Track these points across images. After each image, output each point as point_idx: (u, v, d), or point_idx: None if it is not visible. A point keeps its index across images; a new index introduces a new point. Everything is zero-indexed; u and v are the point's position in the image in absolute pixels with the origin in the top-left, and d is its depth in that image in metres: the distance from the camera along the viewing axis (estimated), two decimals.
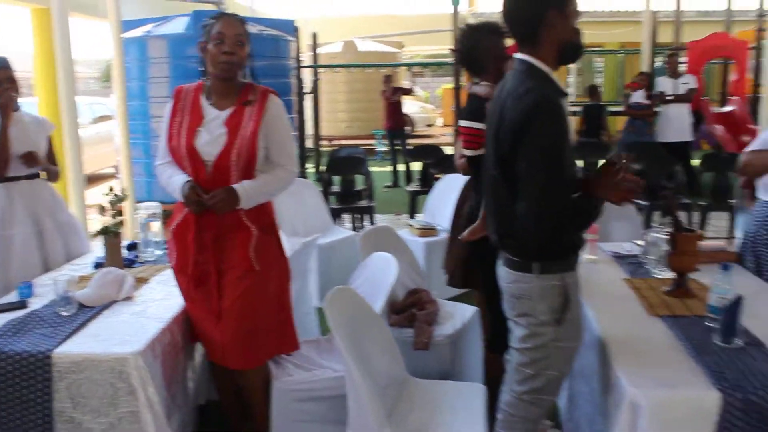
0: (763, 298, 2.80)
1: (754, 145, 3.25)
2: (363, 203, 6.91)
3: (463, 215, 3.37)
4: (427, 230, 5.15)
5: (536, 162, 2.05)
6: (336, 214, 6.36)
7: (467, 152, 3.19)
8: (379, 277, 3.09)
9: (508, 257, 2.28)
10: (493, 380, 2.89)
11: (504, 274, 2.31)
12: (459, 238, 3.28)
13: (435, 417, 2.52)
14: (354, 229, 6.71)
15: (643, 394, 2.08)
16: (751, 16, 12.19)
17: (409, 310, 3.36)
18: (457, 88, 9.19)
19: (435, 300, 3.50)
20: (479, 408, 2.60)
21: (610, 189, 2.14)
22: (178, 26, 6.55)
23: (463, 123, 3.17)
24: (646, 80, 9.41)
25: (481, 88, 3.11)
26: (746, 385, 2.07)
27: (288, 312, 2.89)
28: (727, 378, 2.11)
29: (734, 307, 2.34)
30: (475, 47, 3.09)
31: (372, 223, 6.74)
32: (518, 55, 2.19)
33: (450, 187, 5.43)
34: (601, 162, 2.55)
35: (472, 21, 13.75)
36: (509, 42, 2.42)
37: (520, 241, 2.19)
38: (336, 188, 7.13)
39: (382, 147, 13.98)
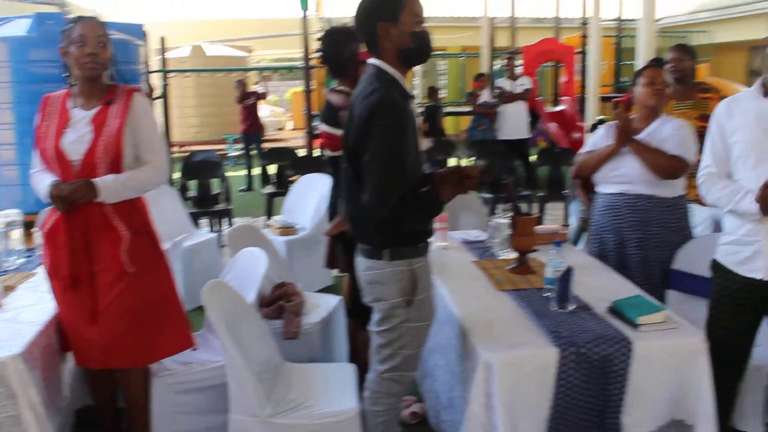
0: (589, 269, 3.21)
1: (586, 147, 3.67)
2: (220, 207, 6.96)
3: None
4: (287, 229, 5.32)
5: (376, 156, 2.28)
6: (194, 219, 6.37)
7: (327, 153, 3.41)
8: (249, 271, 3.24)
9: (361, 246, 2.49)
10: (361, 360, 3.13)
11: (359, 262, 2.52)
12: (324, 233, 3.50)
13: (311, 395, 2.71)
14: (212, 232, 6.75)
15: (494, 356, 2.38)
16: (576, 24, 13.25)
17: (277, 302, 3.52)
18: (308, 92, 9.37)
19: (301, 292, 3.69)
20: (350, 385, 2.82)
21: (452, 189, 2.42)
22: (18, 29, 6.29)
23: (322, 127, 3.39)
24: (486, 79, 10.06)
25: (335, 96, 3.33)
26: (578, 341, 2.42)
27: (177, 310, 2.93)
28: (563, 336, 2.45)
29: (566, 277, 2.70)
30: (339, 51, 3.31)
31: (231, 225, 6.81)
32: (370, 60, 2.43)
33: (307, 188, 5.64)
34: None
35: (320, 25, 13.92)
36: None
37: (371, 229, 2.41)
38: (192, 193, 7.12)
39: (234, 152, 13.94)
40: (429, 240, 2.54)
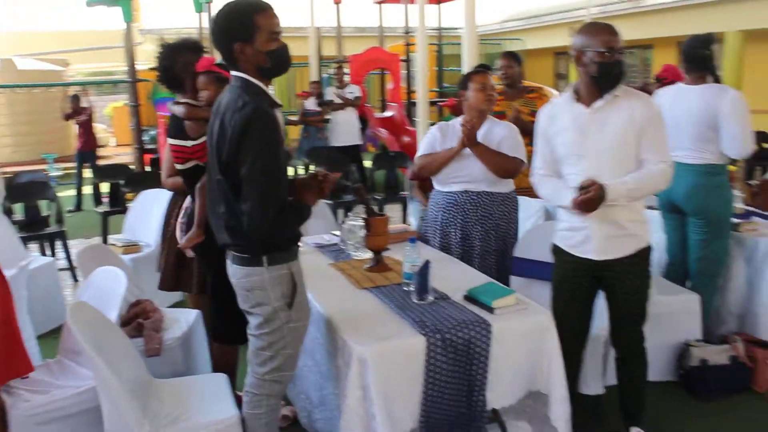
0: (442, 263, 3.41)
1: (421, 150, 3.90)
2: (52, 229, 6.60)
3: (171, 226, 3.57)
4: (131, 247, 5.19)
5: (256, 168, 2.34)
6: (23, 243, 6.00)
7: (179, 166, 3.40)
8: (107, 290, 3.16)
9: (237, 255, 2.53)
10: (225, 370, 3.16)
11: (235, 271, 2.56)
12: (178, 246, 3.47)
13: (187, 408, 2.70)
14: (44, 256, 6.39)
15: (366, 350, 2.51)
16: (399, 32, 13.75)
17: (135, 320, 3.45)
18: (135, 106, 9.03)
19: (158, 308, 3.63)
20: (226, 393, 2.84)
21: (313, 194, 2.57)
22: None
23: (171, 141, 3.38)
24: (318, 88, 10.22)
25: (179, 108, 3.34)
26: (442, 328, 2.60)
27: (14, 334, 2.80)
28: (428, 325, 2.62)
29: (424, 270, 2.88)
30: (173, 65, 3.31)
31: (66, 248, 6.47)
32: (234, 73, 2.47)
33: (148, 204, 5.50)
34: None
35: (141, 37, 13.44)
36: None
37: (248, 238, 2.46)
38: (18, 216, 6.69)
39: (55, 171, 13.16)
40: (300, 243, 2.63)
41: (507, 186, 3.74)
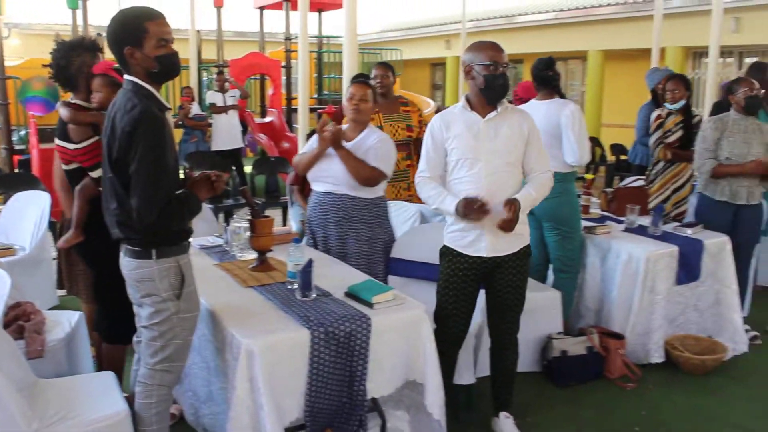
0: (322, 262, 3.55)
1: (303, 149, 4.06)
2: None
3: (66, 225, 3.55)
4: (5, 250, 5.02)
5: (143, 166, 2.45)
6: None
7: (63, 166, 3.40)
8: None
9: (129, 248, 2.63)
10: (111, 370, 3.18)
11: (126, 263, 2.66)
12: (56, 246, 3.46)
13: (75, 406, 2.70)
14: None
15: (254, 343, 2.63)
16: (280, 38, 13.80)
17: (15, 322, 3.39)
18: (4, 105, 8.65)
19: (39, 310, 3.58)
20: (114, 390, 2.86)
21: (207, 191, 2.70)
22: None
23: (57, 141, 3.37)
24: (191, 93, 10.16)
25: (64, 111, 3.35)
26: (325, 322, 2.76)
27: None
28: (311, 319, 2.77)
29: (307, 268, 3.03)
30: (69, 64, 3.31)
31: None
32: (126, 76, 2.57)
33: (23, 206, 5.35)
34: None
35: (6, 31, 12.76)
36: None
37: (138, 231, 2.56)
38: None
39: None
40: (190, 239, 2.72)
41: (372, 192, 3.87)
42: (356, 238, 3.85)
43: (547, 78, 4.31)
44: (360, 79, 4.11)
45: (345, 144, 3.79)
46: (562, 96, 4.33)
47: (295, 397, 2.71)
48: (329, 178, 3.84)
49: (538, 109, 4.23)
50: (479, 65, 3.10)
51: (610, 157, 11.06)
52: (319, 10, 14.54)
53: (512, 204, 3.06)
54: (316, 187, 3.96)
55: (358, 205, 3.84)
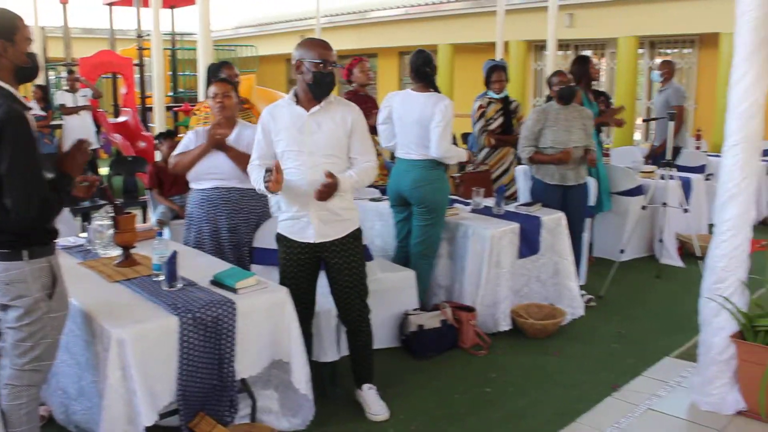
0: (186, 254, 3.69)
1: (179, 149, 4.16)
2: None
3: None
4: None
5: (15, 166, 2.49)
6: None
7: None
8: None
9: None
10: None
11: None
12: None
13: None
14: None
15: (124, 332, 2.74)
16: (131, 35, 13.47)
17: None
18: None
19: None
20: None
21: (76, 166, 2.78)
22: None
23: None
24: (40, 92, 9.79)
25: None
26: (192, 308, 2.91)
27: None
28: (179, 306, 2.91)
29: (172, 259, 3.15)
30: None
31: None
32: None
33: None
34: None
35: None
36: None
37: (11, 232, 2.58)
38: None
39: None
40: (56, 239, 2.77)
41: None
42: (248, 228, 4.08)
43: (424, 73, 4.56)
44: (220, 77, 4.24)
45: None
46: (437, 90, 4.60)
47: (167, 383, 2.85)
48: (216, 174, 4.02)
49: (415, 100, 4.51)
50: (309, 62, 3.31)
51: (462, 145, 11.63)
52: (172, 7, 14.30)
53: (331, 175, 3.25)
54: (201, 185, 4.10)
55: (247, 196, 4.06)
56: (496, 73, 5.80)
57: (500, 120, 5.69)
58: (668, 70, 7.86)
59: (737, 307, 3.59)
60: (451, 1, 14.18)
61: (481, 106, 5.88)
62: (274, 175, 3.20)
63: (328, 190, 3.26)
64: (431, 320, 4.33)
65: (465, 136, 11.39)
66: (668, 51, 13.24)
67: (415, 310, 4.40)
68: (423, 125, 4.41)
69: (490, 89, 5.94)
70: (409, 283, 4.43)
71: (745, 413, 3.57)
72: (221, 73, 5.08)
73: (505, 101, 5.74)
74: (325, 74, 3.31)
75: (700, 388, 3.72)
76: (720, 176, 3.64)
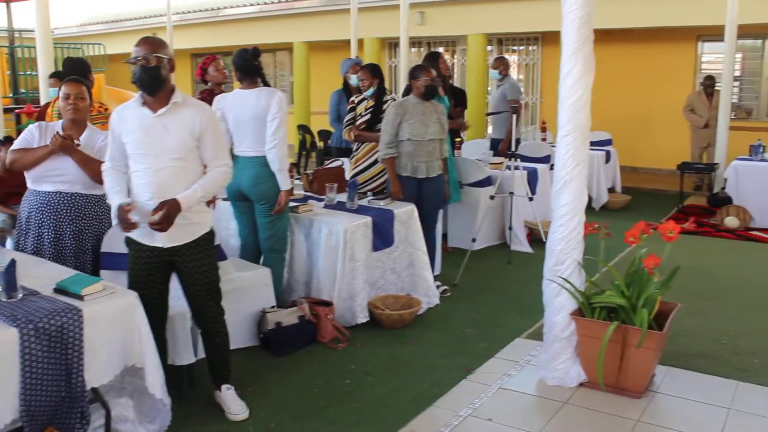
0: (29, 263, 3.50)
1: (16, 145, 3.93)
2: None
3: None
4: None
5: None
6: None
7: None
8: None
9: None
10: None
11: None
12: None
13: None
14: None
15: None
16: None
17: None
18: None
19: None
20: None
21: None
22: None
23: None
24: None
25: None
26: (34, 318, 2.78)
27: None
28: (19, 318, 2.77)
29: (10, 269, 3.00)
30: None
31: None
32: None
33: None
34: None
35: None
36: None
37: None
38: None
39: None
40: None
41: (102, 189, 3.92)
42: (92, 233, 3.91)
43: (254, 68, 4.54)
44: (73, 78, 4.05)
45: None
46: (267, 84, 4.60)
47: (8, 400, 2.71)
48: (62, 177, 3.83)
49: (247, 97, 4.47)
50: (133, 59, 3.25)
51: (319, 143, 11.70)
52: (7, 1, 13.45)
53: (163, 206, 3.22)
54: (42, 187, 3.88)
55: (91, 202, 3.90)
56: (361, 72, 5.91)
57: (368, 116, 5.79)
58: (503, 66, 8.29)
59: (575, 287, 3.84)
60: None
61: (352, 102, 5.99)
62: (125, 218, 3.21)
63: (166, 221, 3.23)
64: (289, 317, 4.35)
65: (322, 133, 11.48)
66: (515, 48, 13.87)
67: (272, 307, 4.41)
68: (259, 120, 4.41)
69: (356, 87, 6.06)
70: (264, 281, 4.43)
71: (587, 384, 3.84)
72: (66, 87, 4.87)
73: (379, 99, 5.85)
74: (144, 69, 3.23)
75: (546, 364, 3.95)
76: (555, 165, 3.88)
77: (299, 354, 4.33)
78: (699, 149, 10.60)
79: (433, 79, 5.27)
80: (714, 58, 11.97)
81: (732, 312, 5.11)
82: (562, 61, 3.74)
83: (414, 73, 5.35)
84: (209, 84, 5.85)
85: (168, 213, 3.21)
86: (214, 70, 5.82)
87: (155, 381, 3.16)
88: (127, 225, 3.24)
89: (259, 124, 4.39)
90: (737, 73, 11.05)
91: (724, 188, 8.42)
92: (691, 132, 10.73)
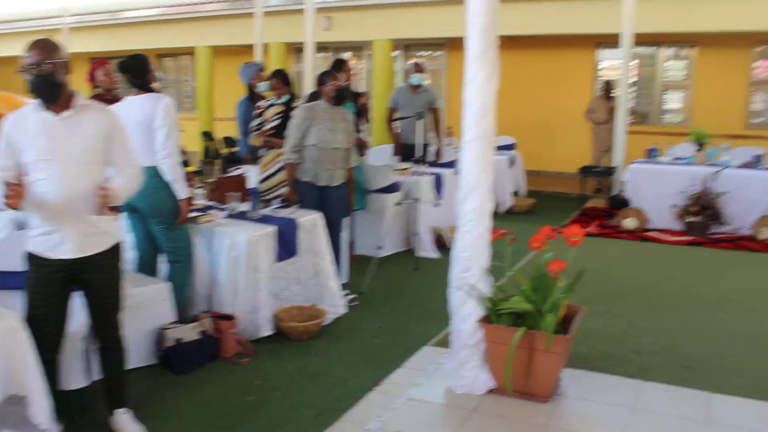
0: None
1: None
2: None
3: None
4: None
5: None
6: None
7: None
8: None
9: None
10: None
11: None
12: None
13: None
14: None
15: None
16: None
17: None
18: None
19: None
20: None
21: None
22: None
23: None
24: None
25: None
26: None
27: None
28: None
29: None
30: None
31: None
32: None
33: None
34: None
35: None
36: None
37: None
38: None
39: None
40: None
41: None
42: None
43: (143, 75, 4.34)
44: None
45: None
46: (153, 90, 4.40)
47: None
48: None
49: (134, 103, 4.26)
50: (25, 65, 3.03)
51: (224, 150, 11.43)
52: None
53: (104, 187, 3.04)
54: None
55: None
56: (273, 81, 5.76)
57: (277, 122, 5.65)
58: (424, 71, 8.25)
59: (482, 293, 3.82)
60: (208, 1, 13.86)
61: (258, 107, 5.84)
62: (13, 189, 2.86)
63: (104, 201, 3.02)
64: (190, 332, 4.16)
65: (227, 140, 11.22)
66: (421, 54, 13.95)
67: (172, 323, 4.20)
68: (144, 128, 4.21)
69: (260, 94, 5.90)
70: (162, 296, 4.21)
71: (495, 390, 3.82)
72: None
73: (288, 106, 5.71)
74: (39, 78, 3.01)
75: (454, 372, 3.91)
76: (461, 171, 3.85)
77: (201, 371, 4.14)
78: (599, 153, 10.93)
79: (342, 82, 5.21)
80: (611, 64, 12.40)
81: (633, 312, 5.23)
82: (466, 66, 3.71)
83: (322, 78, 5.27)
84: (99, 89, 5.59)
85: (105, 195, 3.01)
86: (102, 74, 5.58)
87: (41, 410, 2.94)
88: (13, 195, 2.87)
89: (145, 132, 4.17)
90: (633, 79, 11.45)
91: (622, 191, 8.68)
92: (593, 136, 11.07)
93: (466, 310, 3.85)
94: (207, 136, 11.93)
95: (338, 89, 5.16)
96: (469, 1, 3.63)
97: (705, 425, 3.52)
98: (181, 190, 4.29)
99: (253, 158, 6.63)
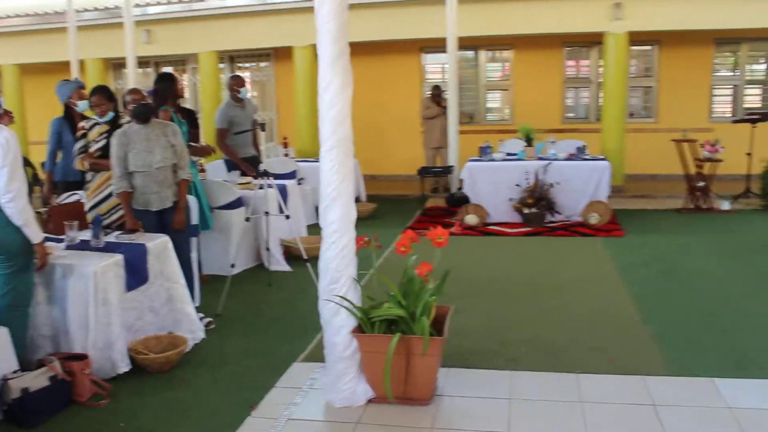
0: None
1: None
2: None
3: None
4: None
5: None
6: None
7: None
8: None
9: None
10: None
11: None
12: None
13: None
14: None
15: None
16: None
17: None
18: None
19: None
20: None
21: None
22: None
23: None
24: None
25: None
26: None
27: None
28: None
29: None
30: None
31: None
32: None
33: None
34: None
35: None
36: None
37: None
38: None
39: None
40: None
41: None
42: None
43: None
44: None
45: None
46: None
47: None
48: None
49: None
50: None
51: (42, 176, 10.58)
52: None
53: None
54: None
55: None
56: (95, 98, 5.32)
57: (103, 142, 5.24)
58: (242, 83, 8.03)
59: (353, 303, 3.75)
60: (12, 16, 12.80)
61: (82, 128, 5.39)
62: None
63: None
64: (37, 379, 3.75)
65: (45, 165, 10.39)
66: (247, 65, 13.70)
67: (15, 372, 3.76)
68: None
69: (95, 112, 5.44)
70: (1, 343, 3.77)
71: (375, 400, 3.77)
72: None
73: (113, 124, 5.31)
74: None
75: (331, 386, 3.82)
76: (321, 181, 3.75)
77: (55, 421, 3.72)
78: (431, 151, 11.24)
79: (143, 98, 4.96)
80: (435, 68, 12.82)
81: (491, 306, 5.38)
82: (320, 74, 3.62)
83: (124, 96, 5.01)
84: None
85: None
86: None
87: None
88: None
89: None
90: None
91: (460, 188, 8.97)
92: (424, 135, 11.36)
93: (338, 322, 3.77)
94: (24, 161, 10.98)
95: (135, 107, 4.90)
96: (318, 8, 3.55)
97: (579, 404, 3.67)
98: (35, 234, 3.89)
99: (50, 179, 6.26)
